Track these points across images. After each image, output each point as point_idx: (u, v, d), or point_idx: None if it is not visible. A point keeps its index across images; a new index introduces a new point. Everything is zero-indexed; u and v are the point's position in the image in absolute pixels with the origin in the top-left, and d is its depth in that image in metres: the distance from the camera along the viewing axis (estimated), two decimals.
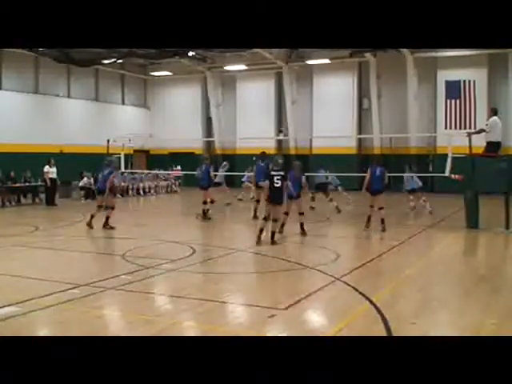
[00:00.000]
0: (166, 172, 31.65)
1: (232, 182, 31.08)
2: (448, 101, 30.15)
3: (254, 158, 24.77)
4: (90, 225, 14.92)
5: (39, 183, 24.24)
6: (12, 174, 23.83)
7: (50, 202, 22.84)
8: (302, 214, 14.05)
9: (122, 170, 22.14)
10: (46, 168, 22.97)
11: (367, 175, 14.99)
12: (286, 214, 13.88)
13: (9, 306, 7.05)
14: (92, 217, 14.86)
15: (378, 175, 14.76)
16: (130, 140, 22.89)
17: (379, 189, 14.72)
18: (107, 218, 14.74)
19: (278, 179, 12.62)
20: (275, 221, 12.69)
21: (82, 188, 26.05)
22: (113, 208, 14.99)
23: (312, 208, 19.47)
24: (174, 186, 32.18)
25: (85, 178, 26.15)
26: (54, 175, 23.25)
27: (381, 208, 14.63)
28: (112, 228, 14.68)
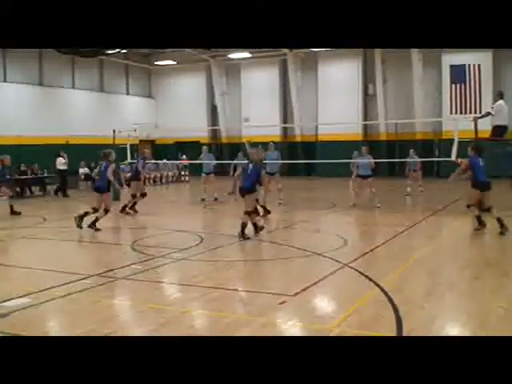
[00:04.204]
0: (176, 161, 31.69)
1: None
2: (453, 85, 30.04)
3: (260, 147, 24.77)
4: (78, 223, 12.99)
5: (47, 175, 24.48)
6: (22, 166, 24.21)
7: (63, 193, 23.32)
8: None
9: (129, 160, 22.20)
10: (59, 159, 23.32)
11: (464, 165, 12.36)
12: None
13: (20, 297, 7.11)
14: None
15: (482, 165, 12.19)
16: (135, 130, 22.87)
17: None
18: (127, 205, 14.20)
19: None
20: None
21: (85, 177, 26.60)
22: (134, 196, 14.71)
23: None
24: (183, 176, 32.25)
25: (85, 168, 26.72)
26: (66, 166, 23.59)
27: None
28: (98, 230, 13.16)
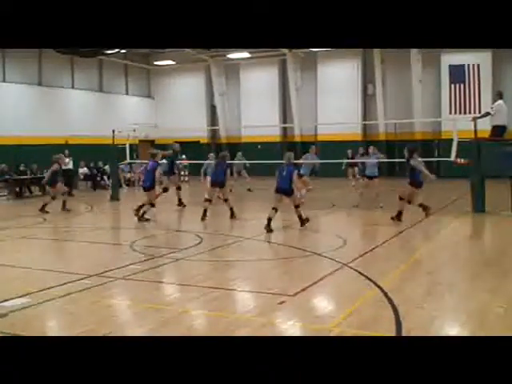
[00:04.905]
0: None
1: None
2: (452, 85, 30.05)
3: (259, 147, 24.84)
4: (139, 216, 14.68)
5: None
6: (21, 166, 24.24)
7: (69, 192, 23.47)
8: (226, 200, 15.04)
9: (128, 160, 22.23)
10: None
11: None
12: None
13: (20, 297, 7.11)
14: (140, 208, 14.86)
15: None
16: (134, 130, 22.90)
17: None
18: (143, 212, 14.66)
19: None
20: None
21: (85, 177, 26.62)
22: (153, 204, 15.15)
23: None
24: (182, 176, 32.25)
25: (84, 168, 26.71)
26: (70, 166, 24.03)
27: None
28: (147, 220, 14.55)
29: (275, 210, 12.73)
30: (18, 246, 11.48)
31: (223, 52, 34.16)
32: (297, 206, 13.02)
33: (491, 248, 11.22)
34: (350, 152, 22.80)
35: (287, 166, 13.01)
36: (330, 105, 32.28)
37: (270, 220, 12.51)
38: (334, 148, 28.21)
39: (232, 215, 14.67)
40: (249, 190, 23.36)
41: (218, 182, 15.01)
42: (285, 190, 12.88)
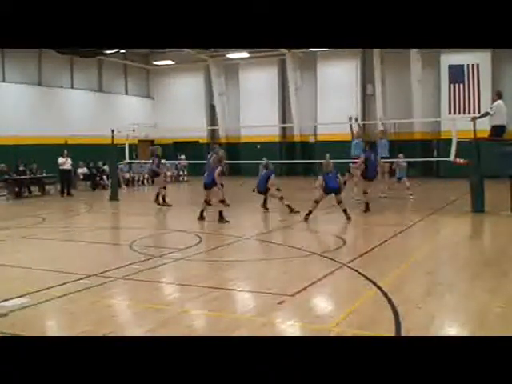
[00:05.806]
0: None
1: (238, 170, 31.15)
2: (452, 85, 30.04)
3: (259, 147, 24.79)
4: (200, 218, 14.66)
5: (45, 175, 24.55)
6: (21, 166, 24.20)
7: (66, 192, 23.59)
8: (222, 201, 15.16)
9: (127, 160, 22.21)
10: (61, 159, 23.44)
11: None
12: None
13: (19, 297, 7.11)
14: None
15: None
16: (134, 130, 22.90)
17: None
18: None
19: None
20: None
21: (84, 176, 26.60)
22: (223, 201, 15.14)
23: None
24: (182, 176, 32.31)
25: (84, 168, 26.68)
26: (68, 166, 23.80)
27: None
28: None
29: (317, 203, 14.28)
30: (18, 246, 11.47)
31: (222, 52, 34.17)
32: (340, 202, 14.36)
33: (491, 248, 11.22)
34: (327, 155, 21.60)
35: (332, 172, 14.34)
36: (330, 105, 32.28)
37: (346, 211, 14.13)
38: (333, 148, 28.22)
39: (220, 218, 14.33)
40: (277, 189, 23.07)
41: (205, 184, 14.96)
42: (336, 188, 14.24)
